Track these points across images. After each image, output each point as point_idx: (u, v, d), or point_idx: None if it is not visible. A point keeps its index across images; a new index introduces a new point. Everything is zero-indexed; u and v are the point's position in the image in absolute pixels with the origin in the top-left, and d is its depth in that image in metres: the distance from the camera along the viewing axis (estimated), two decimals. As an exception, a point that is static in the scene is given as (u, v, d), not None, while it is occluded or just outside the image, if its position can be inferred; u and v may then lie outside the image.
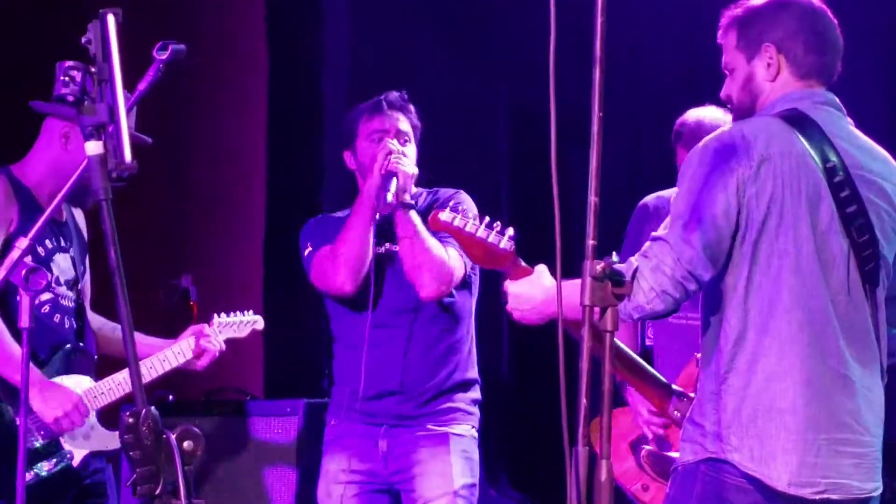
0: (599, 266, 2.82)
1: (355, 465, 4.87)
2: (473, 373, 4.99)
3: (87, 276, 4.98)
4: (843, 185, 3.47)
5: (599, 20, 2.84)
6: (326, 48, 7.16)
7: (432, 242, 4.79)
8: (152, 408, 2.77)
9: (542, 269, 3.70)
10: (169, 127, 7.11)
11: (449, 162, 6.07)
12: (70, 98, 2.83)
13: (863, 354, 3.50)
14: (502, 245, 3.77)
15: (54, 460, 4.70)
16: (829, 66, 3.61)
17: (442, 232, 3.99)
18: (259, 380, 6.89)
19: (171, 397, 5.93)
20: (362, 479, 4.87)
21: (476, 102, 6.99)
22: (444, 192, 5.00)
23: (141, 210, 6.73)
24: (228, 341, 5.16)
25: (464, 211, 3.86)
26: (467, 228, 3.82)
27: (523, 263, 3.76)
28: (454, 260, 4.82)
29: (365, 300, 4.86)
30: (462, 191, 4.95)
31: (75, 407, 4.67)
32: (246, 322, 5.27)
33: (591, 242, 2.83)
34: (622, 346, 3.80)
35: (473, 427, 4.93)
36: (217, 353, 5.06)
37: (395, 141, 4.89)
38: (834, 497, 3.43)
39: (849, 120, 3.65)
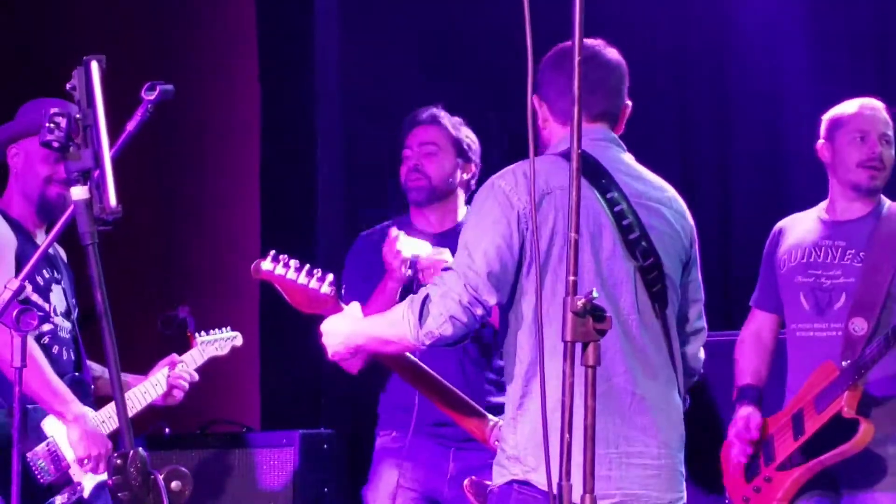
0: (580, 302, 2.84)
1: (422, 477, 4.84)
2: None
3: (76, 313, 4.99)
4: (625, 213, 3.66)
5: (577, 58, 2.88)
6: (317, 70, 7.15)
7: None
8: (140, 449, 2.79)
9: (353, 306, 3.89)
10: (161, 157, 7.16)
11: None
12: (55, 144, 2.86)
13: (658, 371, 3.67)
14: (322, 290, 3.95)
15: (67, 494, 4.68)
16: (596, 104, 3.75)
17: (265, 280, 4.04)
18: (256, 411, 6.89)
19: (167, 430, 5.94)
20: (424, 493, 4.85)
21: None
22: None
23: (136, 242, 6.76)
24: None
25: (284, 259, 3.98)
26: (288, 276, 3.98)
27: (343, 306, 3.92)
28: None
29: None
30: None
31: (107, 452, 4.68)
32: (225, 339, 5.26)
33: (571, 278, 2.84)
34: (436, 375, 4.00)
35: None
36: (188, 386, 5.02)
37: (391, 243, 4.74)
38: None
39: (628, 154, 3.82)
